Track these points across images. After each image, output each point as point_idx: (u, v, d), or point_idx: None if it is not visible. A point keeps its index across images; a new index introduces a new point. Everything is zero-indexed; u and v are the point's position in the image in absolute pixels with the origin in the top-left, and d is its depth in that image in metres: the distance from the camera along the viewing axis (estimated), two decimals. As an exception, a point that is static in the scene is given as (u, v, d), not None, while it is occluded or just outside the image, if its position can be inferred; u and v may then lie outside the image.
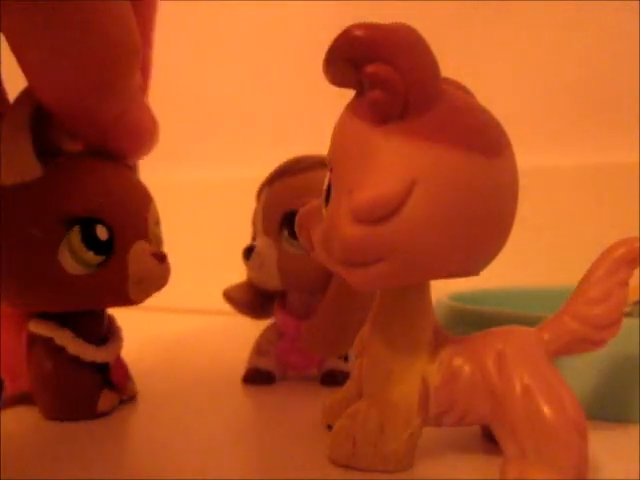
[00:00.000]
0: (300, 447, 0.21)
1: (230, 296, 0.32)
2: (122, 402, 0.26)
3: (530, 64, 0.49)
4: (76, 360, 0.24)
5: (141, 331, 0.48)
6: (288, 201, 0.29)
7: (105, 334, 0.26)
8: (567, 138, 0.49)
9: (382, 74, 0.15)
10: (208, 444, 0.22)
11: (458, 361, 0.18)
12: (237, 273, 0.32)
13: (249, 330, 0.33)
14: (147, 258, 0.24)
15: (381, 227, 0.16)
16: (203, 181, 0.62)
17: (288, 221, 0.28)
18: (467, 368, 0.18)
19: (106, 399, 0.25)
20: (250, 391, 0.30)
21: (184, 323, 0.55)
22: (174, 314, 0.57)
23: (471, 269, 0.18)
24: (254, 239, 0.31)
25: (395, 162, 0.16)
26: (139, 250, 0.24)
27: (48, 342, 0.24)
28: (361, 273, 0.17)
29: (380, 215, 0.16)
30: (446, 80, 0.17)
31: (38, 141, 0.22)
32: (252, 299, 0.32)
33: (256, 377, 0.31)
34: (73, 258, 0.22)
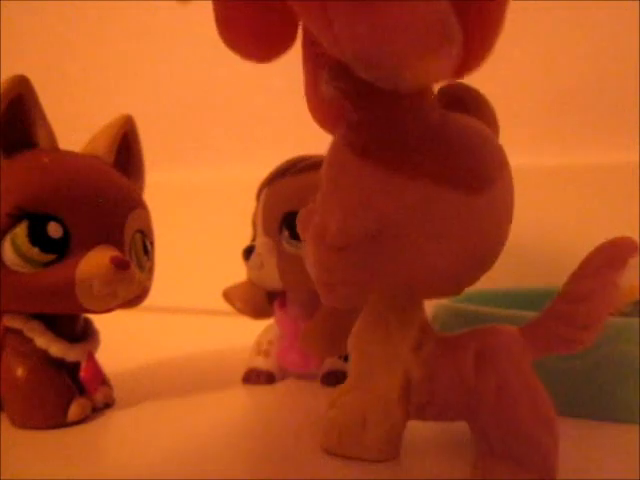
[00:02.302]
0: (300, 447, 0.21)
1: (230, 296, 0.32)
2: (96, 410, 0.25)
3: (530, 64, 0.49)
4: (46, 366, 0.23)
5: (141, 331, 0.48)
6: (288, 201, 0.29)
7: (79, 334, 0.25)
8: (567, 138, 0.49)
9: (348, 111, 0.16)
10: (208, 444, 0.22)
11: (439, 357, 0.19)
12: (237, 273, 0.32)
13: (249, 330, 0.33)
14: (101, 263, 0.22)
15: (348, 254, 0.16)
16: (203, 181, 0.62)
17: (288, 221, 0.28)
18: (446, 364, 0.18)
19: (77, 408, 0.24)
20: (250, 391, 0.30)
21: (184, 323, 0.55)
22: (174, 314, 0.57)
23: (450, 290, 0.18)
24: (254, 239, 0.31)
25: (368, 195, 0.16)
26: (95, 254, 0.22)
27: (18, 346, 0.23)
28: (328, 292, 0.18)
29: (347, 243, 0.16)
30: (452, 86, 0.17)
31: (7, 133, 0.22)
32: (252, 299, 0.32)
33: (256, 377, 0.31)
34: (16, 253, 0.21)
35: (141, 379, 0.32)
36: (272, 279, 0.29)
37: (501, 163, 0.17)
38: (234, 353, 0.33)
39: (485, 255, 0.17)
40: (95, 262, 0.22)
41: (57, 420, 0.23)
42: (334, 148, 0.18)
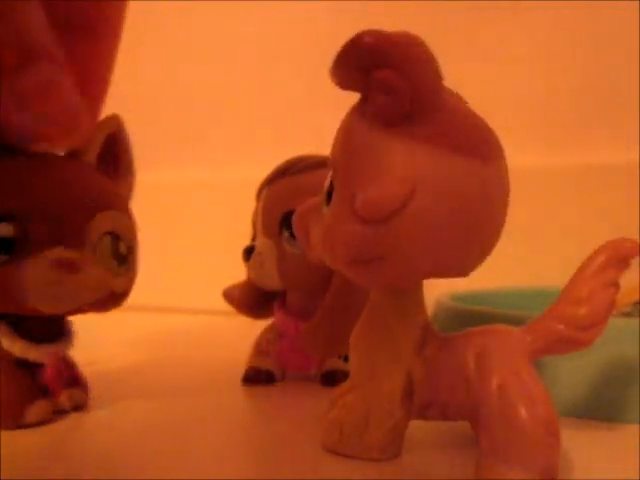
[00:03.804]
0: (300, 447, 0.21)
1: (230, 296, 0.32)
2: (63, 412, 0.25)
3: (530, 64, 0.49)
4: (7, 366, 0.23)
5: (141, 331, 0.48)
6: (288, 201, 0.29)
7: (51, 335, 0.25)
8: (567, 138, 0.49)
9: (390, 80, 0.16)
10: (208, 444, 0.22)
11: (441, 357, 0.19)
12: (237, 273, 0.32)
13: (249, 330, 0.33)
14: (48, 265, 0.22)
15: (383, 226, 0.16)
16: (203, 181, 0.62)
17: (288, 221, 0.28)
18: (448, 364, 0.19)
19: (36, 409, 0.23)
20: (250, 391, 0.30)
21: (184, 323, 0.55)
22: (174, 314, 0.57)
23: (462, 270, 0.18)
24: (254, 239, 0.31)
25: (399, 165, 0.16)
26: (45, 255, 0.22)
27: None
28: (363, 271, 0.17)
29: (382, 215, 0.16)
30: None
31: None
32: (252, 299, 0.32)
33: (256, 377, 0.31)
34: None
35: (140, 378, 0.32)
36: (272, 279, 0.29)
37: (499, 141, 0.18)
38: (234, 353, 0.33)
39: (493, 231, 0.17)
40: (43, 263, 0.22)
41: (15, 421, 0.23)
42: (351, 124, 0.17)
